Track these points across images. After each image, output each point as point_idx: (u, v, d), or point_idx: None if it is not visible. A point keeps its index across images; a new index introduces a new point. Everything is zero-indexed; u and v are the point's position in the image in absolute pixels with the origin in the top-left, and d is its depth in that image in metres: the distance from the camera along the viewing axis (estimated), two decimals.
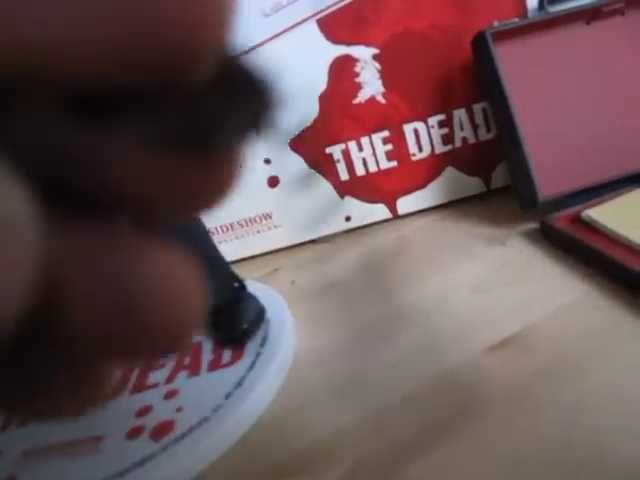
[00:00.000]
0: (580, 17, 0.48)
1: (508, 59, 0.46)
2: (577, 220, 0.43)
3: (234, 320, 0.42)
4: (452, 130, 0.53)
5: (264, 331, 0.42)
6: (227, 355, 0.42)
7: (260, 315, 0.43)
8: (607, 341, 0.32)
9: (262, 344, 0.41)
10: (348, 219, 0.56)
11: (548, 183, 0.45)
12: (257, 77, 0.07)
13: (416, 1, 0.49)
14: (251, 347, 0.41)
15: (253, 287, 0.47)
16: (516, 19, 0.47)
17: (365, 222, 0.57)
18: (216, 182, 0.08)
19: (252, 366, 0.39)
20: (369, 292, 0.44)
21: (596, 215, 0.41)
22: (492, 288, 0.40)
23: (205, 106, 0.07)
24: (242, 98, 0.07)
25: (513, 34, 0.46)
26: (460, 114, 0.53)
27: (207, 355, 0.42)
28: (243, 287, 0.44)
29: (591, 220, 0.41)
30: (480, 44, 0.46)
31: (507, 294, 0.39)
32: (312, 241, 0.57)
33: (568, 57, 0.47)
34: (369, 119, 0.53)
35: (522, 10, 0.50)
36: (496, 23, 0.47)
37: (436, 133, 0.53)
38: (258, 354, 0.40)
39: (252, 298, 0.44)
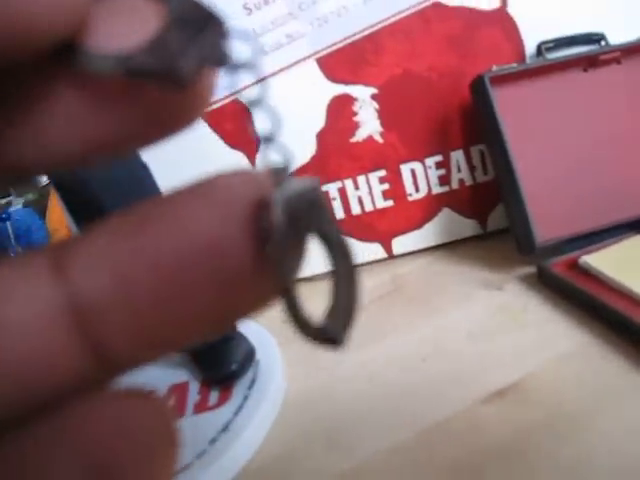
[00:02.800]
0: (577, 64, 0.48)
1: (506, 103, 0.46)
2: (575, 266, 0.42)
3: (223, 360, 0.41)
4: (449, 171, 0.53)
5: (253, 373, 0.41)
6: (214, 397, 0.40)
7: (250, 356, 0.42)
8: (607, 395, 0.31)
9: (250, 386, 0.40)
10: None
11: (546, 228, 0.44)
12: (209, 13, 0.09)
13: (415, 43, 0.50)
14: (239, 389, 0.40)
15: (243, 325, 0.46)
16: (514, 64, 0.47)
17: (360, 261, 0.56)
18: (185, 105, 0.09)
19: (239, 410, 0.37)
20: (362, 335, 0.43)
21: (594, 262, 0.41)
22: (488, 335, 0.39)
23: (169, 42, 0.08)
24: (198, 32, 0.09)
25: (511, 79, 0.46)
26: (457, 156, 0.52)
27: (193, 396, 0.41)
28: (233, 326, 0.43)
29: (589, 267, 0.41)
30: (479, 87, 0.46)
31: (504, 342, 0.38)
32: (306, 279, 0.56)
33: (566, 103, 0.47)
34: (366, 158, 0.53)
35: (520, 56, 0.50)
36: (495, 68, 0.47)
37: (433, 174, 0.53)
38: (246, 397, 0.39)
39: (242, 337, 0.43)
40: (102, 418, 0.09)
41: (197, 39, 0.09)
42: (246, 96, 0.09)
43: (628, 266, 0.40)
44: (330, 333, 0.10)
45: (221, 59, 0.09)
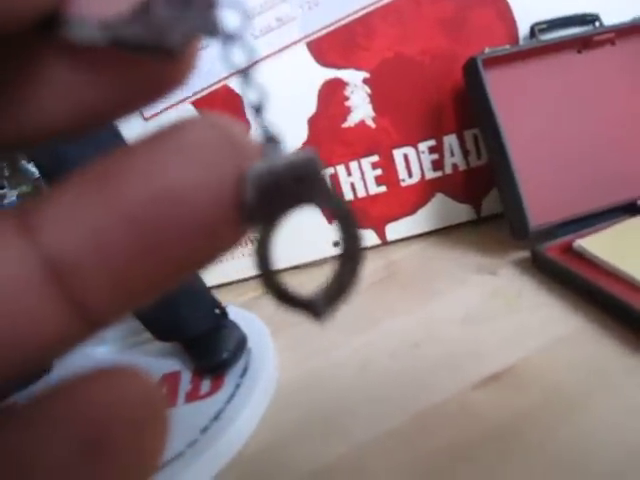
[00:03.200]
0: (571, 46, 0.47)
1: (499, 86, 0.45)
2: (569, 250, 0.42)
3: (214, 349, 0.40)
4: (442, 156, 0.52)
5: (245, 361, 0.40)
6: (206, 385, 0.40)
7: (241, 344, 0.41)
8: (601, 378, 0.31)
9: (242, 374, 0.39)
10: (336, 244, 0.55)
11: (540, 212, 0.44)
12: None
13: (407, 27, 0.49)
14: (231, 377, 0.39)
15: (235, 314, 0.45)
16: (507, 46, 0.46)
17: None
18: (172, 72, 0.09)
19: (231, 398, 0.37)
20: (356, 321, 0.43)
21: (588, 245, 0.40)
22: (483, 320, 0.39)
23: (157, 13, 0.09)
24: (187, 2, 0.09)
25: (504, 61, 0.46)
26: (451, 140, 0.52)
27: (185, 385, 0.41)
28: (224, 314, 0.42)
29: (583, 250, 0.40)
30: (471, 70, 0.45)
31: (498, 326, 0.38)
32: (300, 267, 0.55)
33: (560, 85, 0.47)
34: (358, 143, 0.52)
35: (513, 38, 0.49)
36: (487, 50, 0.46)
37: (426, 159, 0.53)
38: (238, 385, 0.38)
39: (234, 326, 0.42)
40: (93, 394, 0.09)
41: (186, 9, 0.09)
42: (234, 66, 0.09)
43: (622, 249, 0.39)
44: (315, 306, 0.10)
45: (210, 29, 0.09)
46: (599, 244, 0.40)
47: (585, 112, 0.47)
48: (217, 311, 0.42)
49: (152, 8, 0.09)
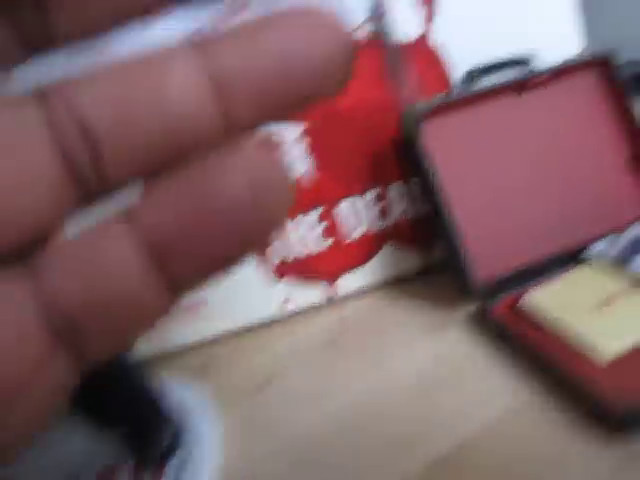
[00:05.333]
0: (509, 90, 0.46)
1: (437, 136, 0.44)
2: (516, 307, 0.40)
3: (153, 439, 0.38)
4: (389, 205, 0.51)
5: (186, 450, 0.38)
6: (147, 479, 0.37)
7: (180, 432, 0.39)
8: (552, 460, 0.29)
9: (182, 466, 0.37)
10: (286, 302, 0.53)
11: (485, 265, 0.43)
12: None
13: None
14: (171, 469, 0.37)
15: (178, 391, 0.43)
16: (442, 95, 0.45)
17: (304, 304, 0.54)
18: None
19: None
20: (306, 391, 0.41)
21: (535, 303, 0.39)
22: (430, 389, 0.37)
23: None
24: None
25: (440, 111, 0.45)
26: (396, 188, 0.51)
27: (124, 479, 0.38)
28: (163, 400, 0.40)
29: (530, 309, 0.39)
30: (406, 122, 0.44)
31: (446, 398, 0.36)
32: (248, 328, 0.53)
33: (500, 131, 0.46)
34: (301, 198, 0.51)
35: (448, 85, 0.48)
36: (422, 100, 0.45)
37: (372, 209, 0.51)
38: (178, 478, 0.36)
39: (173, 412, 0.40)
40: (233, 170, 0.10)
41: None
42: None
43: (573, 305, 0.38)
44: None
45: None
46: (547, 300, 0.39)
47: (527, 156, 0.46)
48: (155, 398, 0.39)
49: None
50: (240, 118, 0.10)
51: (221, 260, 0.10)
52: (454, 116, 0.45)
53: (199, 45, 0.10)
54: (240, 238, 0.10)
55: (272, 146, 0.10)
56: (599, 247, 0.43)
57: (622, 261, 0.41)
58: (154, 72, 0.10)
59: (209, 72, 0.10)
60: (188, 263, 0.10)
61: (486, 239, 0.44)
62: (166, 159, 0.10)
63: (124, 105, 0.10)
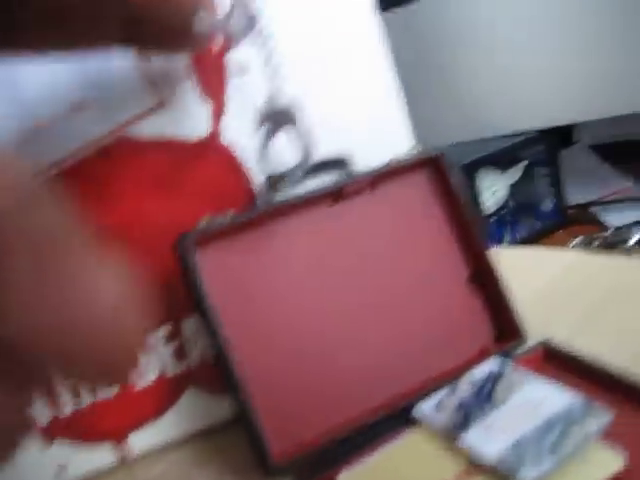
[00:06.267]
0: (321, 200, 0.37)
1: (218, 265, 0.34)
2: None
3: None
4: (184, 343, 0.40)
5: None
6: None
7: None
8: None
9: None
10: (62, 469, 0.41)
11: (283, 436, 0.32)
12: None
13: (105, 185, 0.37)
14: None
15: None
16: (229, 214, 0.35)
17: (86, 470, 0.41)
18: None
19: None
20: None
21: None
22: None
23: None
24: None
25: (224, 231, 0.35)
26: (192, 324, 0.40)
27: None
28: None
29: None
30: (181, 250, 0.34)
31: None
32: None
33: (304, 254, 0.36)
34: None
35: (245, 194, 0.39)
36: (205, 219, 0.35)
37: (164, 349, 0.40)
38: None
39: None
40: None
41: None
42: None
43: None
44: None
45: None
46: None
47: (341, 284, 0.37)
48: None
49: None
50: None
51: None
52: (241, 239, 0.35)
53: None
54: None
55: None
56: (428, 406, 0.34)
57: (453, 430, 0.31)
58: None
59: None
60: None
61: (285, 401, 0.33)
62: None
63: None
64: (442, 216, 0.40)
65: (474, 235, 0.39)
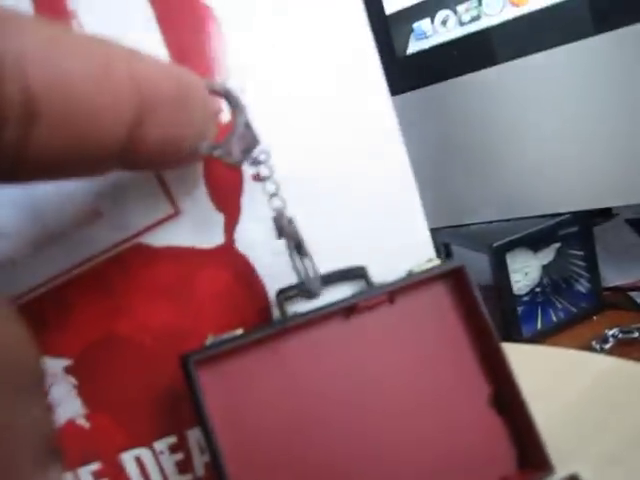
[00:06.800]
0: (334, 315, 0.36)
1: (219, 384, 0.33)
2: None
3: None
4: (190, 455, 0.39)
5: None
6: None
7: None
8: None
9: None
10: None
11: None
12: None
13: (116, 295, 0.36)
14: None
15: None
16: (238, 331, 0.34)
17: None
18: None
19: None
20: None
21: None
22: None
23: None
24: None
25: (234, 352, 0.34)
26: (197, 434, 0.38)
27: None
28: None
29: None
30: (185, 369, 0.33)
31: None
32: None
33: (315, 374, 0.35)
34: (71, 449, 0.38)
35: (259, 306, 0.38)
36: (211, 338, 0.34)
37: (168, 460, 0.39)
38: None
39: None
40: None
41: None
42: None
43: None
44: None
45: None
46: None
47: (353, 407, 0.35)
48: None
49: None
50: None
51: None
52: (249, 357, 0.34)
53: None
54: None
55: None
56: None
57: None
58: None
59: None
60: None
61: None
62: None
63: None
64: (462, 331, 0.38)
65: (496, 352, 0.37)
